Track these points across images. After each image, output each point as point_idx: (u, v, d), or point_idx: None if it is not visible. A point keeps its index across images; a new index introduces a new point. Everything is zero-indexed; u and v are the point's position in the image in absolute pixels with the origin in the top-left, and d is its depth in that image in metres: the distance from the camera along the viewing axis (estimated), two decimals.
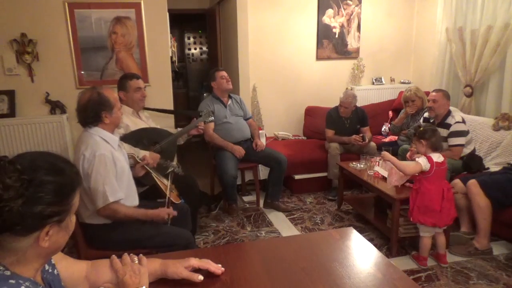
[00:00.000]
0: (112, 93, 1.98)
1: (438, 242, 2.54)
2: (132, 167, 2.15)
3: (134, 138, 2.47)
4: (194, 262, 1.17)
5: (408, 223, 2.66)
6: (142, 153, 2.36)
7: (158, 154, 2.46)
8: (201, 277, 1.14)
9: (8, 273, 0.81)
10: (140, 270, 1.09)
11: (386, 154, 2.60)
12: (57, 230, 0.85)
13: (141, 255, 1.17)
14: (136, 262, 1.13)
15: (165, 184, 2.20)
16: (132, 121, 2.66)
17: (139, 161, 2.14)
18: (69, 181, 0.85)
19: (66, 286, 1.04)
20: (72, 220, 0.90)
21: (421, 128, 2.49)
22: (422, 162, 2.40)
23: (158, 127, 2.84)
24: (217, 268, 1.19)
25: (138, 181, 2.20)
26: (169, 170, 2.33)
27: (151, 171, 2.18)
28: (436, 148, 2.47)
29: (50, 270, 0.98)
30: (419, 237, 2.55)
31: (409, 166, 2.45)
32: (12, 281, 0.79)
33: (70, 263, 1.11)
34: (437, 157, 2.42)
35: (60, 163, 0.86)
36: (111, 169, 1.88)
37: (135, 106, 2.76)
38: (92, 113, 1.90)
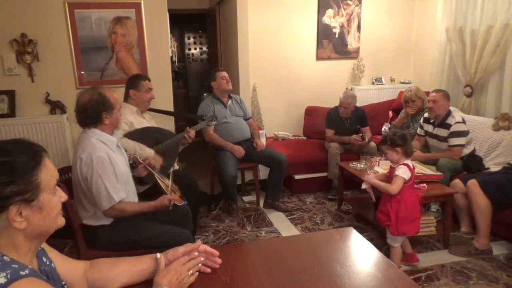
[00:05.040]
0: (112, 94, 1.96)
1: (403, 243, 2.49)
2: (135, 167, 2.14)
3: (138, 136, 2.46)
4: (190, 246, 1.22)
5: None
6: (147, 151, 2.37)
7: (161, 153, 2.47)
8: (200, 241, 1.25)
9: (7, 258, 0.82)
10: (183, 280, 1.12)
11: (371, 178, 2.53)
12: (30, 210, 0.85)
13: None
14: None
15: (166, 184, 2.20)
16: (136, 119, 2.65)
17: (141, 161, 2.13)
18: (22, 160, 0.85)
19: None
20: (50, 200, 0.89)
21: (395, 135, 2.37)
22: (403, 174, 2.30)
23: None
24: (212, 255, 1.22)
25: (139, 180, 2.20)
26: (170, 170, 2.32)
27: (153, 171, 2.18)
28: (409, 155, 2.39)
29: (47, 263, 0.99)
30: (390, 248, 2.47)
31: (393, 186, 2.33)
32: (15, 266, 0.80)
33: (67, 261, 1.11)
34: (410, 163, 2.37)
35: (6, 146, 0.86)
36: (110, 170, 1.88)
37: (141, 106, 2.75)
38: (93, 113, 1.88)
